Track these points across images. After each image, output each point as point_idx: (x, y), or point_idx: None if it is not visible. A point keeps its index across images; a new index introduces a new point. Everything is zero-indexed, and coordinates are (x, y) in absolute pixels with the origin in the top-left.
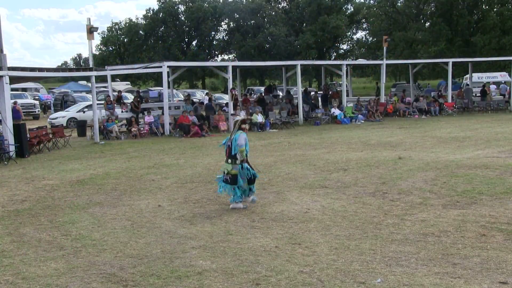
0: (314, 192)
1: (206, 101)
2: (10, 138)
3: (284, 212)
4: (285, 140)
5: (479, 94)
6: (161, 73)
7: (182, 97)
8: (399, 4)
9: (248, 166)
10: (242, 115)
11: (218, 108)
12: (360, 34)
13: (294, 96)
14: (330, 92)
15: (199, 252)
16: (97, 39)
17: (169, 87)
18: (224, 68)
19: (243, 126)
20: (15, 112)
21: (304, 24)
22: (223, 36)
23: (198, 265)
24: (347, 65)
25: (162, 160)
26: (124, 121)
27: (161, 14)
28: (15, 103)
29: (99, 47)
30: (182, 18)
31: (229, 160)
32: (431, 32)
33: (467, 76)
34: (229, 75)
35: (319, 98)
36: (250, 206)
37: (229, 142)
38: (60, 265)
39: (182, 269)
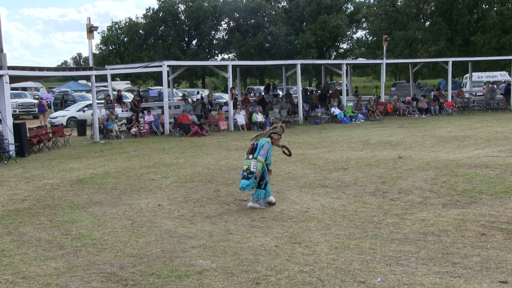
0: (314, 191)
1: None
2: (10, 137)
3: (284, 211)
4: (285, 139)
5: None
6: (161, 72)
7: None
8: (399, 3)
9: (266, 171)
10: (242, 114)
11: (218, 108)
12: (360, 34)
13: (294, 96)
14: (330, 92)
15: (199, 251)
16: (97, 38)
17: (169, 86)
18: (224, 67)
19: (273, 135)
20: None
21: (304, 24)
22: (223, 36)
23: (198, 264)
24: (347, 64)
25: (162, 160)
26: (124, 120)
27: (161, 13)
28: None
29: (99, 46)
30: (182, 18)
31: (250, 156)
32: (431, 31)
33: (467, 75)
34: (229, 74)
35: (317, 97)
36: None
37: (254, 142)
38: (60, 264)
39: (182, 269)
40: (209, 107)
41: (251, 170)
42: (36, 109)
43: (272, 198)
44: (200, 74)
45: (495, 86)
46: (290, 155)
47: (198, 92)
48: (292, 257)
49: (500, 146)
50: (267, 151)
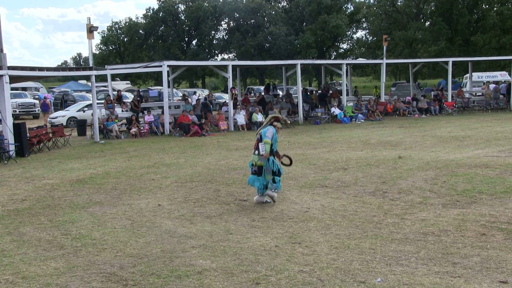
0: (314, 191)
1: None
2: (10, 137)
3: (284, 211)
4: (285, 139)
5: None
6: (161, 72)
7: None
8: (399, 3)
9: (274, 160)
10: (242, 113)
11: (218, 108)
12: (360, 34)
13: (294, 96)
14: (330, 92)
15: (199, 251)
16: (97, 38)
17: (169, 86)
18: (224, 68)
19: (275, 123)
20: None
21: (304, 24)
22: (223, 36)
23: (198, 264)
24: (347, 64)
25: (162, 160)
26: (124, 120)
27: (161, 13)
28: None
29: (99, 46)
30: (182, 18)
31: (256, 152)
32: (431, 31)
33: (467, 75)
34: (229, 74)
35: (317, 97)
36: (250, 206)
37: (258, 136)
38: (60, 264)
39: (182, 269)
40: (211, 107)
41: (261, 153)
42: (36, 109)
43: (264, 198)
44: (200, 74)
45: (498, 86)
46: (290, 164)
47: (195, 93)
48: (292, 257)
49: (500, 146)
50: (272, 133)
